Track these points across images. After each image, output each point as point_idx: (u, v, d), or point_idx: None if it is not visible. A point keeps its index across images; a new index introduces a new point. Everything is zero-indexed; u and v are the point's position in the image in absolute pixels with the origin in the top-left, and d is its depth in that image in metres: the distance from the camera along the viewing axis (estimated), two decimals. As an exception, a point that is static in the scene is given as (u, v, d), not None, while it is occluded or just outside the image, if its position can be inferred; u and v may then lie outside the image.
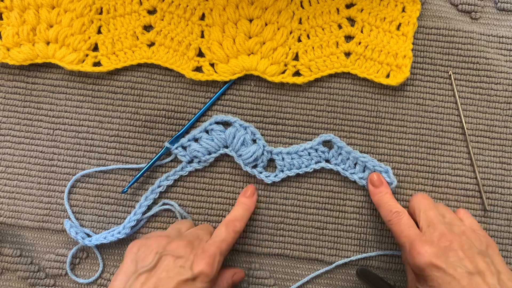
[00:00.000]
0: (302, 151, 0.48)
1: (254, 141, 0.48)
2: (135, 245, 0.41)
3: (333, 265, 0.48)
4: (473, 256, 0.38)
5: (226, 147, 0.48)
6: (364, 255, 0.48)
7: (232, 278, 0.44)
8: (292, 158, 0.48)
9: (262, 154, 0.47)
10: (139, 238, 0.44)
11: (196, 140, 0.48)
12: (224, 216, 0.48)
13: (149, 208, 0.48)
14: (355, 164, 0.48)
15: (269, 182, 0.48)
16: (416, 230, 0.41)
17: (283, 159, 0.48)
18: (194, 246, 0.40)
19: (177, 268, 0.38)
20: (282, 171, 0.48)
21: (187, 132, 0.49)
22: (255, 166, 0.48)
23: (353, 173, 0.47)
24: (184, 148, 0.48)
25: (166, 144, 0.47)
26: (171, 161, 0.49)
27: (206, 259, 0.39)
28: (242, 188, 0.49)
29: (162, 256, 0.39)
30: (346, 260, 0.48)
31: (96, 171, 0.49)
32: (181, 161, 0.49)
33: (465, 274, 0.37)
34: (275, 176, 0.48)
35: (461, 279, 0.36)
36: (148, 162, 0.48)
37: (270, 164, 0.49)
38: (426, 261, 0.38)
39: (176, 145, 0.48)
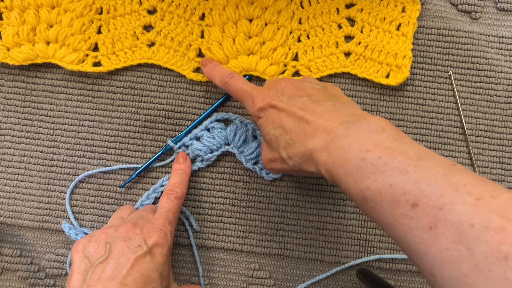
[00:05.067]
0: None
1: (255, 137, 0.48)
2: (80, 243, 0.40)
3: (333, 270, 0.48)
4: (307, 87, 0.39)
5: (228, 144, 0.48)
6: (364, 259, 0.47)
7: None
8: None
9: None
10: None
11: (197, 138, 0.48)
12: (225, 216, 0.48)
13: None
14: None
15: (270, 179, 0.48)
16: (253, 85, 0.42)
17: None
18: (140, 225, 0.41)
19: (131, 248, 0.38)
20: None
21: (189, 131, 0.49)
22: (256, 163, 0.48)
23: None
24: (186, 147, 0.48)
25: (169, 142, 0.48)
26: (173, 161, 0.49)
27: (157, 231, 0.40)
28: (242, 188, 0.49)
29: (113, 244, 0.39)
30: (346, 265, 0.47)
31: (98, 172, 0.49)
32: (181, 161, 0.49)
33: (296, 101, 0.37)
34: (274, 173, 0.48)
35: (290, 108, 0.37)
36: (149, 158, 0.48)
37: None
38: (266, 102, 0.38)
39: (178, 144, 0.48)
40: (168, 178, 0.48)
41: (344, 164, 0.31)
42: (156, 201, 0.48)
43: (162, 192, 0.48)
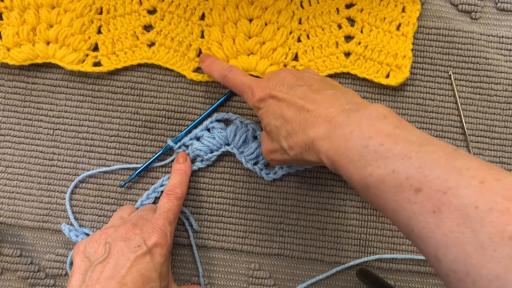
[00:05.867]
0: None
1: (255, 137, 0.48)
2: (81, 244, 0.40)
3: (333, 270, 0.48)
4: (307, 77, 0.39)
5: (228, 144, 0.48)
6: (364, 259, 0.47)
7: None
8: None
9: None
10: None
11: (197, 138, 0.48)
12: (225, 216, 0.48)
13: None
14: None
15: (270, 179, 0.48)
16: (252, 77, 0.42)
17: None
18: (140, 226, 0.41)
19: (131, 248, 0.38)
20: (282, 167, 0.48)
21: (189, 131, 0.49)
22: (256, 163, 0.48)
23: None
24: (186, 147, 0.48)
25: (169, 142, 0.48)
26: (173, 161, 0.49)
27: (157, 231, 0.40)
28: (242, 188, 0.49)
29: (112, 244, 0.39)
30: (346, 265, 0.47)
31: (98, 172, 0.49)
32: (181, 161, 0.49)
33: (296, 91, 0.37)
34: (274, 173, 0.48)
35: (291, 98, 0.37)
36: (149, 158, 0.48)
37: (270, 164, 0.49)
38: (266, 93, 0.38)
39: (178, 144, 0.48)
40: (168, 178, 0.48)
41: (346, 152, 0.31)
42: (156, 201, 0.48)
43: (162, 192, 0.48)
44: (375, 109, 0.32)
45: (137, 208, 0.47)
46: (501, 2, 0.50)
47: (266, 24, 0.49)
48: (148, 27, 0.50)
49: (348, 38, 0.50)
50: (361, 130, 0.31)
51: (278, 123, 0.37)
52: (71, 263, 0.48)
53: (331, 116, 0.33)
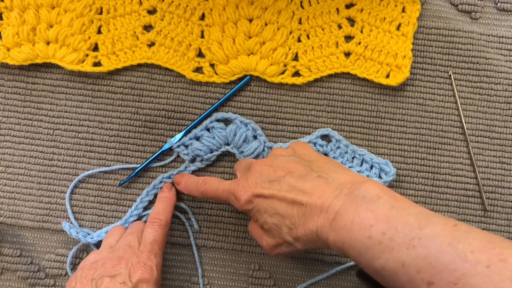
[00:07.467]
0: None
1: (255, 137, 0.48)
2: (72, 281, 0.40)
3: (333, 270, 0.48)
4: (283, 163, 0.38)
5: (228, 144, 0.48)
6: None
7: None
8: None
9: (263, 150, 0.47)
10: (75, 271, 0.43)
11: (197, 138, 0.48)
12: (225, 216, 0.48)
13: (150, 207, 0.48)
14: (353, 158, 0.48)
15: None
16: (229, 181, 0.41)
17: None
18: (126, 258, 0.40)
19: (116, 284, 0.38)
20: None
21: (189, 131, 0.49)
22: (256, 163, 0.48)
23: (351, 166, 0.47)
24: (186, 146, 0.48)
25: (169, 141, 0.48)
26: (173, 161, 0.49)
27: (141, 267, 0.40)
28: (242, 188, 0.49)
29: (99, 280, 0.39)
30: (346, 265, 0.47)
31: (98, 172, 0.49)
32: (183, 161, 0.49)
33: (281, 185, 0.36)
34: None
35: (278, 193, 0.36)
36: (149, 158, 0.48)
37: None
38: (249, 195, 0.37)
39: (178, 143, 0.48)
40: (169, 175, 0.48)
41: (352, 243, 0.32)
42: (155, 198, 0.48)
43: (161, 188, 0.48)
44: (367, 190, 0.33)
45: (137, 207, 0.47)
46: (501, 2, 0.50)
47: (266, 24, 0.49)
48: (148, 27, 0.50)
49: (348, 38, 0.50)
50: (360, 218, 0.32)
51: (275, 220, 0.36)
52: (71, 263, 0.48)
53: (327, 205, 0.34)
